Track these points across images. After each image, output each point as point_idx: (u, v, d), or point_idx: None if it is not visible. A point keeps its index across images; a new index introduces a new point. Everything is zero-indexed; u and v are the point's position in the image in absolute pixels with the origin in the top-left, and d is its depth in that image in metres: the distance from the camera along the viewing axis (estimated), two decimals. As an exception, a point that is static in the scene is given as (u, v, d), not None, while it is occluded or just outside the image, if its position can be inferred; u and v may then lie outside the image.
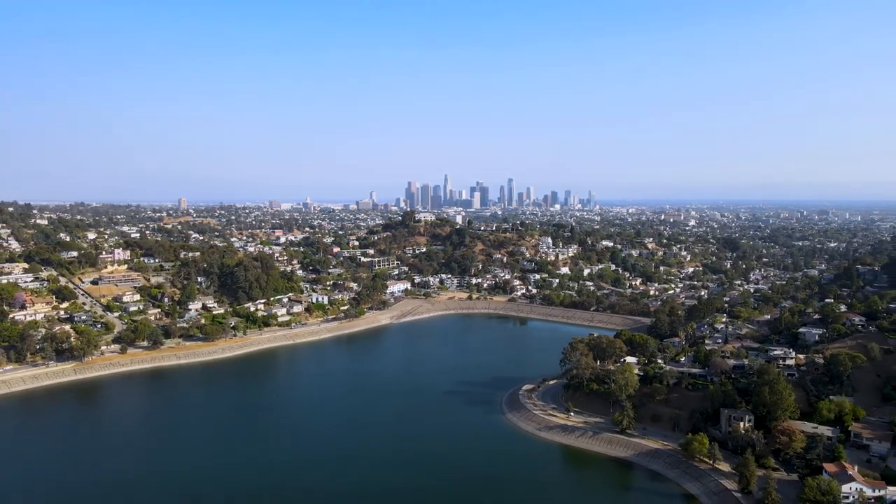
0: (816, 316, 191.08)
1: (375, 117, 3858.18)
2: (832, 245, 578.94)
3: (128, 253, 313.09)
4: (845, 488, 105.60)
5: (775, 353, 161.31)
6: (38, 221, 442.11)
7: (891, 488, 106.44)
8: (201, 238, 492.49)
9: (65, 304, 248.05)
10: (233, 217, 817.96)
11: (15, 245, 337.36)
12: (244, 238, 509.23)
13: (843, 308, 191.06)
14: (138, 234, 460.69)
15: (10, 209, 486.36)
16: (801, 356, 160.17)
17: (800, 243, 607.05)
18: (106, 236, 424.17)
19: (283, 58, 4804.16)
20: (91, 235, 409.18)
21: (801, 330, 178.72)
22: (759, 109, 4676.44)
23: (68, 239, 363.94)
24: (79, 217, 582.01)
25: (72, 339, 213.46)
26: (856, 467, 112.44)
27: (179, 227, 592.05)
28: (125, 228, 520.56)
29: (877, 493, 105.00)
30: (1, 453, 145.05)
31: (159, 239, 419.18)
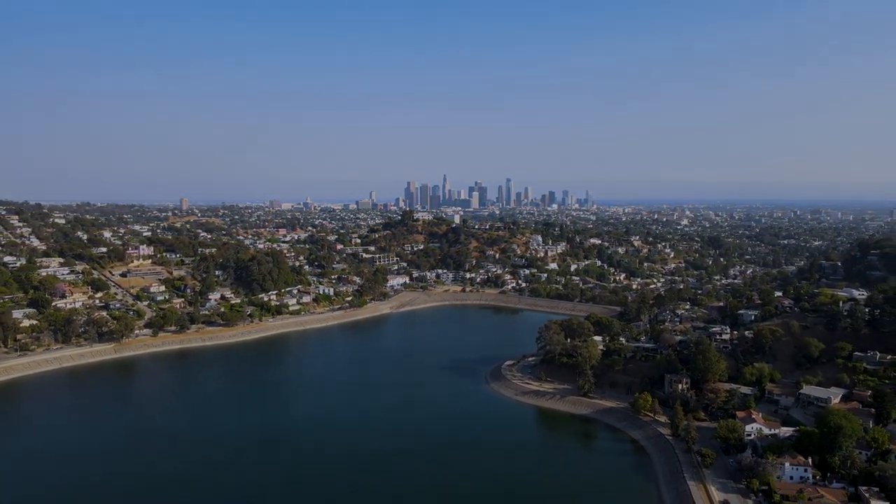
0: (758, 301, 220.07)
1: (375, 117, 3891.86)
2: (817, 243, 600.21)
3: (151, 249, 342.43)
4: (748, 428, 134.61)
5: (714, 329, 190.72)
6: (57, 220, 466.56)
7: (784, 428, 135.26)
8: (209, 236, 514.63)
9: (99, 294, 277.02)
10: (236, 216, 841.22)
11: (36, 242, 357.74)
12: (250, 236, 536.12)
13: (778, 294, 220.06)
14: (150, 233, 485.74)
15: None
16: (736, 332, 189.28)
17: (785, 242, 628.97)
18: (121, 234, 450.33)
19: (281, 58, 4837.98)
20: (106, 234, 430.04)
21: (740, 312, 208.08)
22: (760, 109, 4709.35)
23: (85, 237, 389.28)
24: (88, 217, 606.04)
25: (110, 324, 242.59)
26: (760, 414, 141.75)
27: (188, 226, 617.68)
28: (136, 227, 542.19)
29: (772, 432, 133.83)
30: (69, 415, 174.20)
31: (170, 237, 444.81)
